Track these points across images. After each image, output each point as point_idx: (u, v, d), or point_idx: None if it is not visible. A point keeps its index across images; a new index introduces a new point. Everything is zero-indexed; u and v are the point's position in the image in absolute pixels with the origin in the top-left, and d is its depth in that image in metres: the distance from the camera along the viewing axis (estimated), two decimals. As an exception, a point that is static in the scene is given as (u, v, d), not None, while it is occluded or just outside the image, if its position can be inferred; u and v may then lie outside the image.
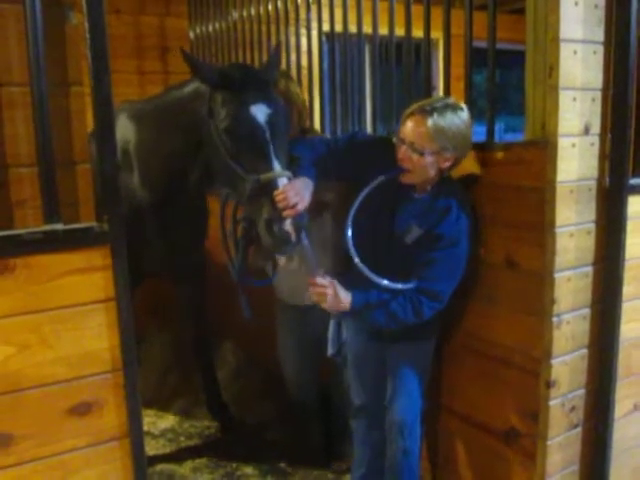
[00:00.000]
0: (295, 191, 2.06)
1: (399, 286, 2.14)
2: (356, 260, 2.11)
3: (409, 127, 2.10)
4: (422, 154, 2.08)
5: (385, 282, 2.12)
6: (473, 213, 2.22)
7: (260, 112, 2.13)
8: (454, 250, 2.16)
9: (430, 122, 2.04)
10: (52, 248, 1.52)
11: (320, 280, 2.14)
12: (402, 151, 2.12)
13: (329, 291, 2.13)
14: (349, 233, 2.13)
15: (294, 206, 2.03)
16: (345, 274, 2.25)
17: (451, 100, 2.14)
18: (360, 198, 2.17)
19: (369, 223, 2.22)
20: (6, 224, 1.55)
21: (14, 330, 1.51)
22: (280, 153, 2.14)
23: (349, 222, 2.15)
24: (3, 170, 1.54)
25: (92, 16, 1.48)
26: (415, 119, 2.08)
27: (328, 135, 3.17)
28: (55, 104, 1.54)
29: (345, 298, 2.15)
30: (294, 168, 2.18)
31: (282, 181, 2.08)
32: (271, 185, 2.06)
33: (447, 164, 2.13)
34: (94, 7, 1.48)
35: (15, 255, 1.48)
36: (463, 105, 2.13)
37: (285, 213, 2.03)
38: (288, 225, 2.05)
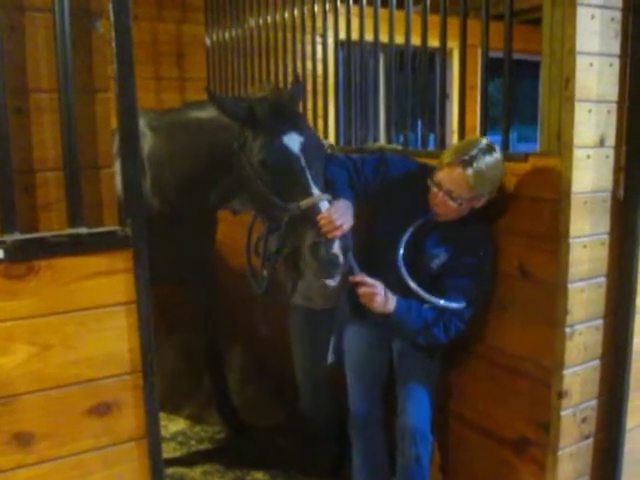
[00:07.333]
0: (338, 213, 2.05)
1: (454, 305, 2.17)
2: (412, 286, 2.16)
3: (447, 176, 2.12)
4: (460, 204, 2.13)
5: (442, 301, 2.17)
6: (493, 240, 2.27)
7: (292, 141, 2.15)
8: (481, 276, 2.23)
9: (470, 172, 2.07)
10: (76, 251, 1.55)
11: (370, 280, 2.14)
12: (439, 197, 2.15)
13: (380, 291, 2.15)
14: (403, 270, 2.16)
15: (340, 227, 2.02)
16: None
17: (483, 142, 2.13)
18: (404, 240, 2.20)
19: (392, 246, 2.23)
20: (32, 227, 1.58)
21: (37, 330, 1.54)
22: (317, 178, 2.15)
23: (400, 260, 2.17)
24: (30, 174, 1.57)
25: (119, 24, 1.52)
26: (454, 169, 2.10)
27: (342, 135, 3.19)
28: (81, 110, 1.57)
29: (392, 301, 2.18)
30: (331, 191, 2.17)
31: (324, 204, 2.07)
32: (313, 210, 2.06)
33: (480, 203, 2.18)
34: (121, 16, 1.51)
35: (40, 257, 1.51)
36: (495, 145, 2.14)
37: (331, 235, 2.01)
38: (336, 248, 2.02)
